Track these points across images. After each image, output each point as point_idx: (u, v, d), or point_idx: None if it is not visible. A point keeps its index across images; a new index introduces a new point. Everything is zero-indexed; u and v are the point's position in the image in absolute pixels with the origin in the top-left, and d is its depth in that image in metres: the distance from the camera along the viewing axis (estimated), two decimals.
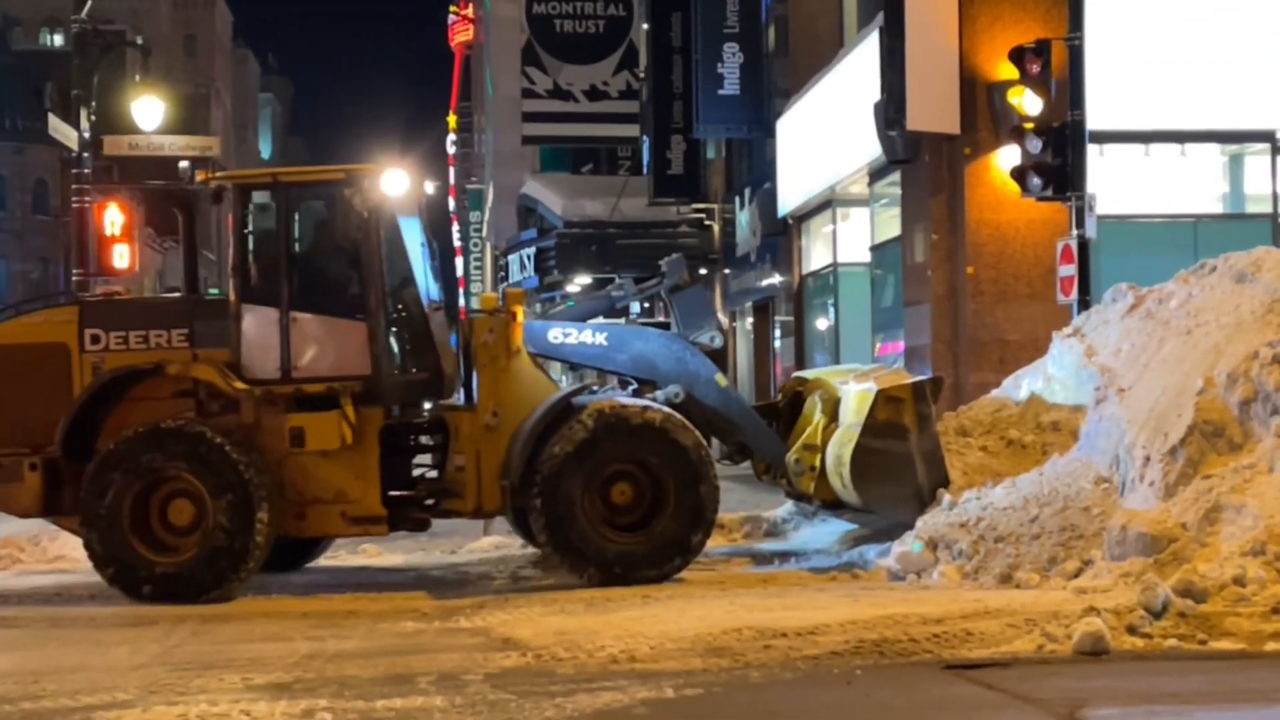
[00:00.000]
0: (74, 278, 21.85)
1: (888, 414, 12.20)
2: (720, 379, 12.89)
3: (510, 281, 36.38)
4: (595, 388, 13.03)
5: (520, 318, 12.32)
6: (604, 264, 31.59)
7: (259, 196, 12.23)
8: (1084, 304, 15.10)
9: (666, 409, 12.11)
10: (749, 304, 29.09)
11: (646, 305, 13.96)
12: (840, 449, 12.36)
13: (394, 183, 12.28)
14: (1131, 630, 8.72)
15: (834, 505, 13.03)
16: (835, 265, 23.24)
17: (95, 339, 12.04)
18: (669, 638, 8.97)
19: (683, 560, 11.91)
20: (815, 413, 12.95)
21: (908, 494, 12.27)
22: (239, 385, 11.88)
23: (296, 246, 12.26)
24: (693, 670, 8.17)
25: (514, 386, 12.15)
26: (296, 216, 12.29)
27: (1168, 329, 12.45)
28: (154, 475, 11.71)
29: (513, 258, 36.50)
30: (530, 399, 12.08)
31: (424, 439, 12.57)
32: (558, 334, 12.85)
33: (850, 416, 12.48)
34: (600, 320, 13.96)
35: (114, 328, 12.06)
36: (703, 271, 28.51)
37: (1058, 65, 15.67)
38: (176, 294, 14.51)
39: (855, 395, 12.50)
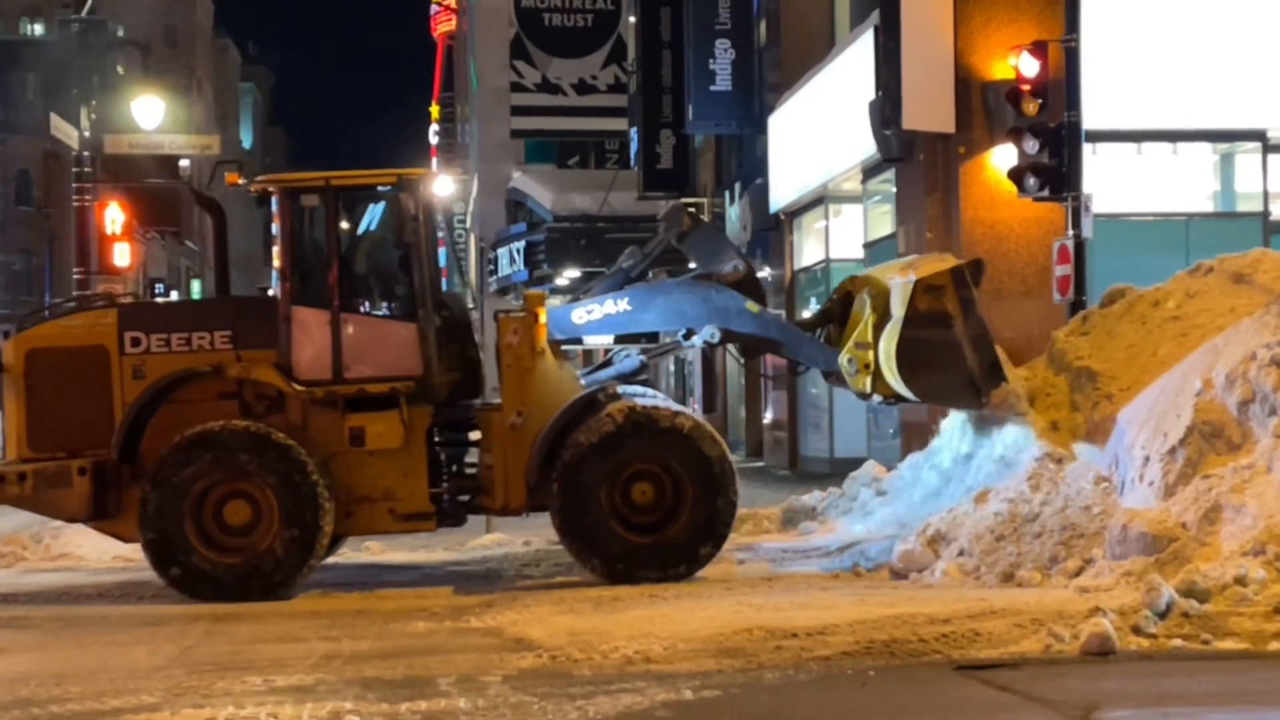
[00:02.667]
0: (74, 276, 21.91)
1: (928, 303, 12.15)
2: (751, 305, 12.83)
3: (500, 275, 36.45)
4: (639, 376, 13.04)
5: (543, 318, 12.41)
6: (594, 258, 31.63)
7: (307, 199, 12.29)
8: (1080, 303, 15.24)
9: (697, 417, 12.21)
10: None
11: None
12: (889, 343, 12.27)
13: (441, 186, 12.49)
14: (1137, 630, 8.84)
15: (897, 399, 12.89)
16: (828, 261, 23.36)
17: (135, 341, 12.08)
18: (680, 638, 9.08)
19: (688, 568, 11.98)
20: (865, 310, 12.78)
21: (959, 381, 12.23)
22: (298, 387, 11.99)
23: (347, 249, 12.36)
24: (707, 671, 8.27)
25: (538, 387, 12.26)
26: (346, 219, 12.41)
27: (1165, 330, 12.60)
28: (239, 475, 11.75)
29: (501, 251, 36.56)
30: (555, 399, 12.19)
31: (460, 436, 12.73)
32: (581, 314, 12.89)
33: (896, 309, 12.39)
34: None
35: (155, 330, 12.12)
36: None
37: (1054, 66, 15.78)
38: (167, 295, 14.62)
39: (899, 287, 12.42)
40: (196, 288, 78.55)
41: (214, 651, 9.47)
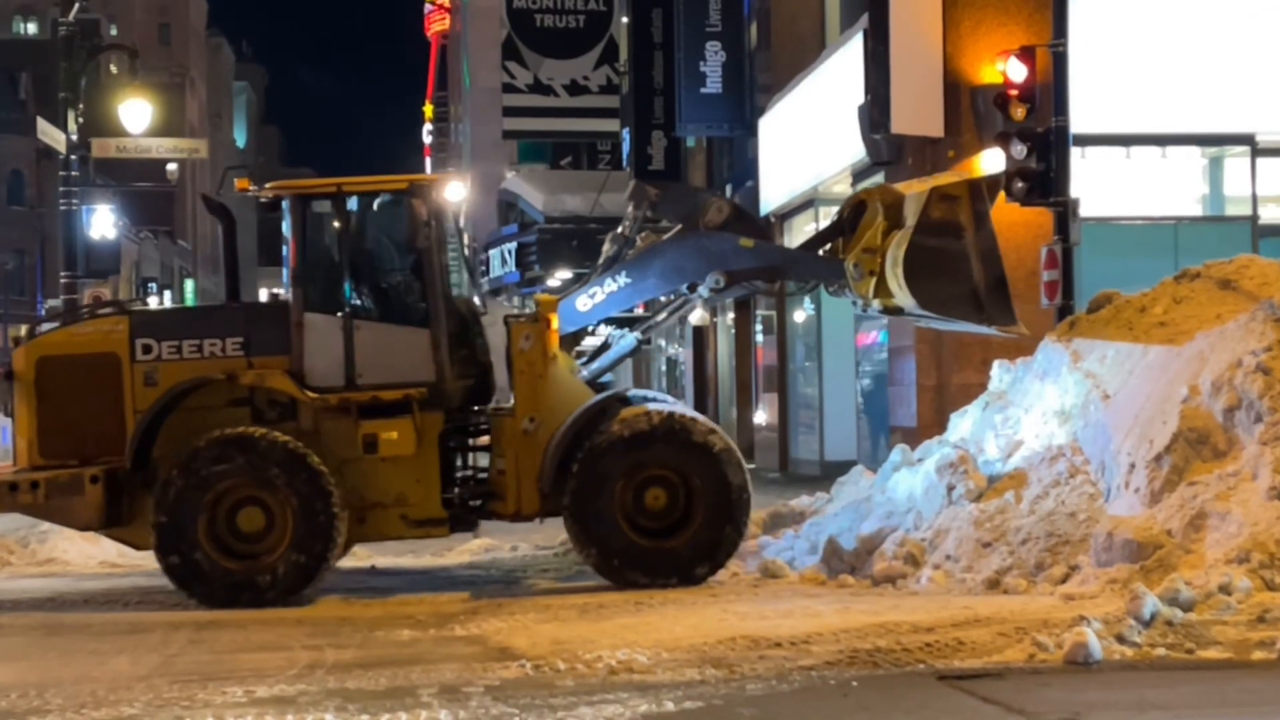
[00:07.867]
0: (62, 279, 21.85)
1: (942, 212, 12.11)
2: (744, 241, 12.81)
3: (491, 276, 36.44)
4: (631, 393, 13.04)
5: (555, 324, 12.37)
6: (585, 259, 31.60)
7: (319, 206, 12.28)
8: (1068, 308, 15.23)
9: (729, 440, 12.22)
10: (730, 300, 29.20)
11: None
12: (897, 250, 12.17)
13: (454, 192, 12.50)
14: (1120, 639, 8.83)
15: (894, 311, 12.78)
16: None
17: (147, 349, 12.04)
18: (664, 647, 9.07)
19: (680, 582, 11.89)
20: (876, 217, 12.60)
21: (962, 292, 12.14)
22: (311, 394, 11.97)
23: (359, 255, 12.34)
24: (690, 682, 8.25)
25: (551, 393, 12.22)
26: (359, 225, 12.40)
27: (1151, 336, 12.60)
28: (265, 486, 11.72)
29: (493, 252, 36.57)
30: (567, 405, 12.17)
31: (472, 442, 12.76)
32: (584, 300, 12.86)
33: (909, 217, 12.29)
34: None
35: (166, 337, 12.09)
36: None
37: (1041, 71, 15.77)
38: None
39: (914, 196, 12.35)
40: (190, 287, 78.55)
41: (196, 660, 9.44)
